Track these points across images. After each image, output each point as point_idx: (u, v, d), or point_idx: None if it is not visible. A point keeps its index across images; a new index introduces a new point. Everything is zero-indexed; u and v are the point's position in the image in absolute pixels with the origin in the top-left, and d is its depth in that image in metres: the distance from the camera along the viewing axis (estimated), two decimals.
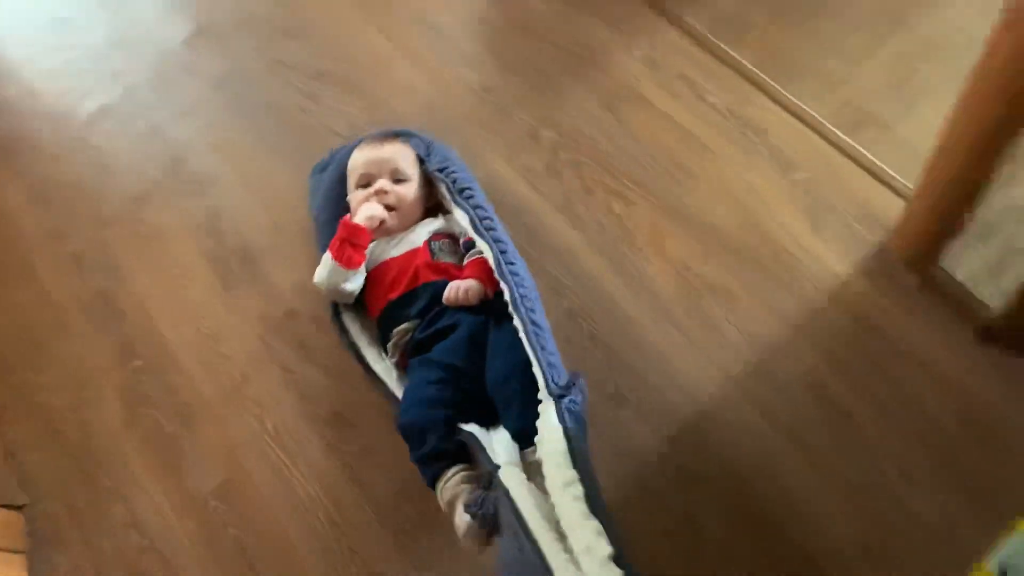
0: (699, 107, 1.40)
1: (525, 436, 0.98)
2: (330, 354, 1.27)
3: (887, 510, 1.02)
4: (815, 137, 1.34)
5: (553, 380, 0.96)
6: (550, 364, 0.98)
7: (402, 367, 1.16)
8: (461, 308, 1.12)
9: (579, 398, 0.94)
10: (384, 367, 1.17)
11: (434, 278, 1.16)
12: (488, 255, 1.14)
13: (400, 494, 1.16)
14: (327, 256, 1.18)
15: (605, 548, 0.75)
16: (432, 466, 1.02)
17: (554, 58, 1.51)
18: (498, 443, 1.00)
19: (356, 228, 1.17)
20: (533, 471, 0.94)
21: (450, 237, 1.24)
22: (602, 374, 1.18)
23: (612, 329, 1.21)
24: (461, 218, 1.21)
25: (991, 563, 0.96)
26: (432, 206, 1.30)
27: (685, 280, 1.23)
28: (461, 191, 1.22)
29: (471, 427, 1.02)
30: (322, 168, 1.37)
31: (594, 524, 0.78)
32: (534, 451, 0.95)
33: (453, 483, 1.00)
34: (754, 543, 1.02)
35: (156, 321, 1.35)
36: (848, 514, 1.02)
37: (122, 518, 1.21)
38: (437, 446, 1.01)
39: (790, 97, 1.38)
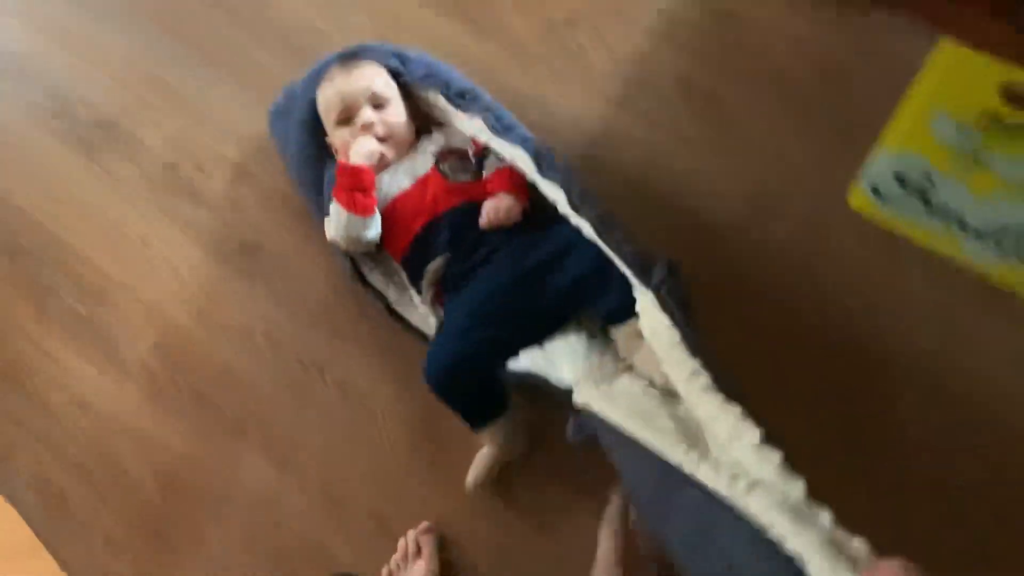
0: None
1: (623, 310, 0.93)
2: (220, 193, 1.26)
3: (766, 163, 1.10)
4: None
5: (644, 270, 0.89)
6: (634, 254, 0.91)
7: (439, 304, 1.07)
8: (500, 235, 1.01)
9: (678, 282, 0.88)
10: (420, 314, 1.09)
11: (455, 202, 1.04)
12: (520, 159, 1.02)
13: (330, 296, 1.18)
14: (337, 208, 1.05)
15: (753, 432, 0.70)
16: (477, 419, 0.99)
17: None
18: (560, 359, 0.95)
19: (358, 171, 1.04)
20: (632, 345, 0.92)
21: (456, 153, 1.10)
22: None
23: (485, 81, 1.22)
24: (468, 126, 1.09)
25: (863, 183, 1.06)
26: (419, 123, 1.15)
27: (541, 21, 1.23)
28: (462, 95, 1.09)
29: (522, 363, 0.95)
30: (282, 112, 1.21)
31: (735, 409, 0.73)
32: (633, 322, 0.92)
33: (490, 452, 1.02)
34: (661, 219, 1.10)
35: (32, 213, 1.30)
36: (733, 176, 1.09)
37: (64, 404, 1.21)
38: (478, 396, 0.98)
39: None
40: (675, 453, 0.73)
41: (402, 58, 1.15)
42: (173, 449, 1.16)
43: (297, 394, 1.15)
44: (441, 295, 1.05)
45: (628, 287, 0.93)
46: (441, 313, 1.06)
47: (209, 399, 1.17)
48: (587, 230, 0.95)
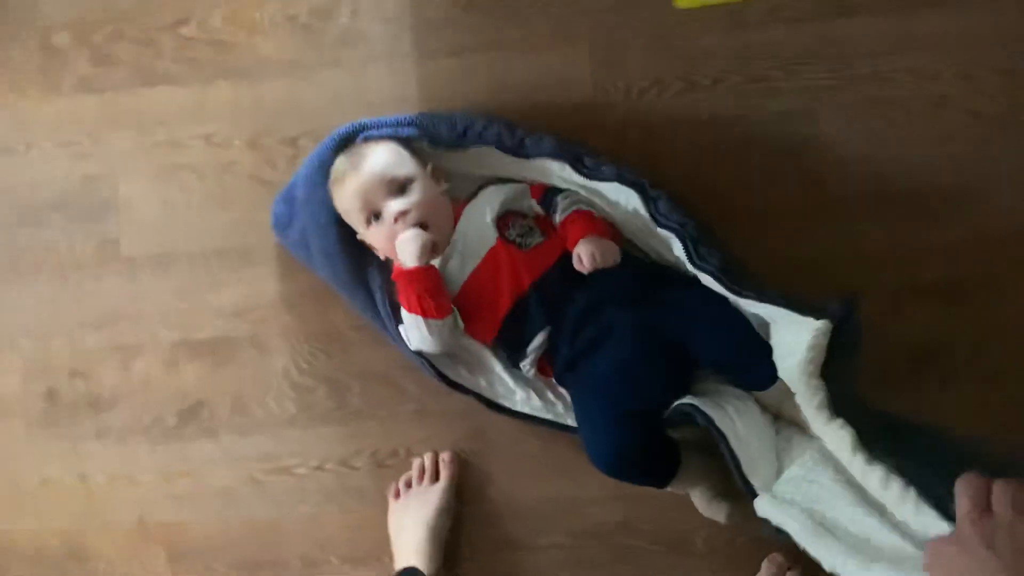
0: None
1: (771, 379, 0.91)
2: (118, 383, 1.12)
3: (581, 24, 1.10)
4: None
5: (806, 305, 0.84)
6: (782, 295, 0.86)
7: (545, 375, 1.01)
8: (607, 301, 0.93)
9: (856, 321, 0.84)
10: (522, 397, 1.03)
11: (538, 272, 0.95)
12: (622, 198, 0.95)
13: (296, 405, 1.11)
14: (413, 319, 0.95)
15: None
16: (662, 482, 0.94)
17: None
18: (753, 449, 0.91)
19: (420, 272, 0.94)
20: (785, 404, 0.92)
21: (516, 214, 1.00)
22: None
23: None
24: (542, 172, 1.00)
25: None
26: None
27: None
28: (521, 143, 0.98)
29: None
30: (286, 222, 1.06)
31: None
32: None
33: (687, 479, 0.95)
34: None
35: None
36: (565, 54, 1.09)
37: None
38: (653, 465, 0.93)
39: None
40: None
41: (415, 123, 1.00)
42: None
43: (338, 497, 1.10)
44: (547, 370, 0.99)
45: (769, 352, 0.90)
46: (547, 387, 1.03)
47: (261, 560, 1.10)
48: (712, 283, 0.90)
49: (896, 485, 0.78)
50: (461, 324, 0.99)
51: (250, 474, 1.11)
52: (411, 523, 1.04)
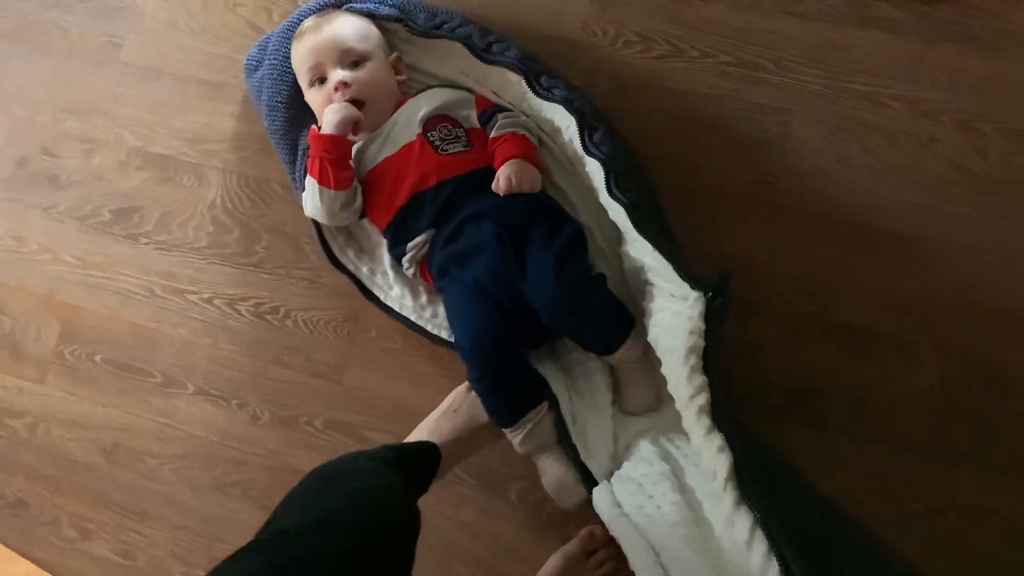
0: None
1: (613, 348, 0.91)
2: (76, 170, 1.21)
3: None
4: None
5: (690, 273, 0.83)
6: (677, 252, 0.85)
7: (422, 278, 1.01)
8: (485, 214, 0.93)
9: (727, 295, 0.82)
10: (394, 296, 1.04)
11: (445, 176, 0.96)
12: (562, 125, 0.95)
13: (221, 231, 1.15)
14: (311, 184, 0.97)
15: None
16: (505, 409, 0.92)
17: None
18: (590, 431, 0.93)
19: (330, 140, 0.95)
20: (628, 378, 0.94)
21: (447, 120, 0.99)
22: None
23: None
24: (497, 83, 1.00)
25: None
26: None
27: None
28: (489, 46, 0.98)
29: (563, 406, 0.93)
30: (254, 66, 1.10)
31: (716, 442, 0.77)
32: (628, 348, 0.90)
33: (540, 431, 0.92)
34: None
35: None
36: None
37: None
38: (513, 384, 0.91)
39: None
40: None
41: (398, 6, 1.03)
42: (114, 422, 1.15)
43: (214, 331, 1.13)
44: (427, 272, 1.00)
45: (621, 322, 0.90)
46: (424, 292, 1.03)
47: (131, 364, 1.15)
48: (621, 218, 0.89)
49: (760, 549, 0.72)
50: (359, 204, 1.00)
51: (151, 286, 1.17)
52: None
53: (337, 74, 0.98)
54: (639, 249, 0.91)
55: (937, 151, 0.98)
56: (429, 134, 0.98)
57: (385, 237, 1.02)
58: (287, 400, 1.11)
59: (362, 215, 1.03)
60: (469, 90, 1.04)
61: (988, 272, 0.94)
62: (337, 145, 0.96)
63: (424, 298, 1.04)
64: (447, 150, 0.97)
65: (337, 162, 0.96)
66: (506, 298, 0.92)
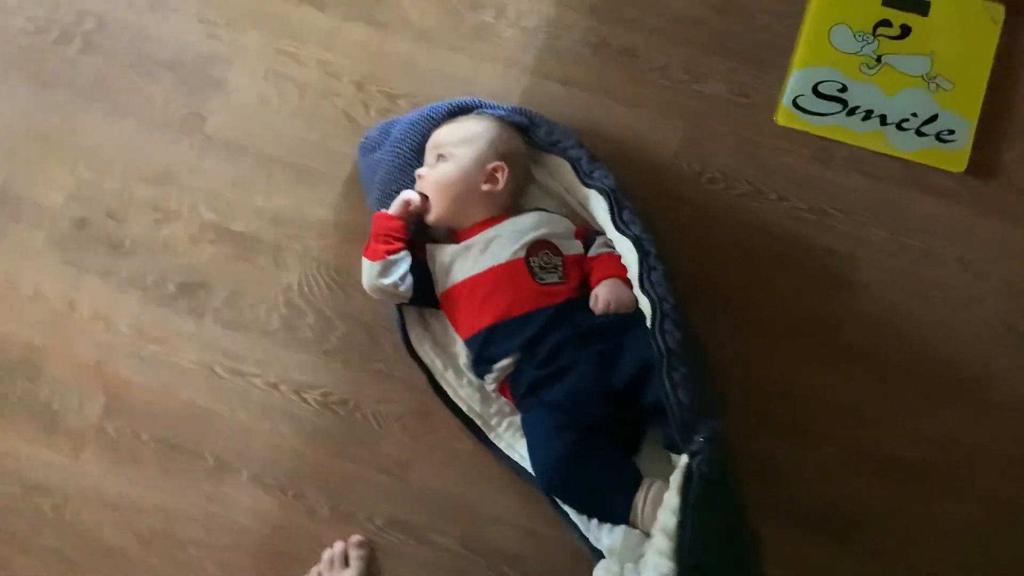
0: None
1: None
2: (143, 237, 1.18)
3: (687, 103, 1.16)
4: None
5: (687, 427, 0.85)
6: (685, 405, 0.87)
7: (502, 394, 1.04)
8: (578, 343, 0.97)
9: (713, 454, 0.81)
10: (463, 395, 1.06)
11: (542, 305, 0.99)
12: (629, 258, 0.99)
13: (292, 315, 1.14)
14: (363, 261, 1.04)
15: None
16: (615, 508, 0.94)
17: None
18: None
19: (380, 217, 1.03)
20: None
21: (548, 246, 1.03)
22: None
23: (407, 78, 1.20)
24: (592, 205, 1.05)
25: (785, 100, 1.13)
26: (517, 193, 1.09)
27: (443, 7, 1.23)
28: (592, 171, 1.03)
29: (569, 512, 0.98)
30: (372, 147, 1.13)
31: None
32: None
33: (654, 498, 0.91)
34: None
35: None
36: (662, 123, 1.16)
37: (19, 496, 1.11)
38: (613, 485, 0.94)
39: None
40: None
41: (528, 116, 1.08)
42: (155, 505, 1.09)
43: (276, 417, 1.11)
44: (507, 391, 1.02)
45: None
46: (496, 404, 1.06)
47: (181, 445, 1.10)
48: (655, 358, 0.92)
49: None
50: (399, 278, 1.01)
51: (211, 364, 1.13)
52: None
53: (421, 168, 1.06)
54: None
55: (984, 310, 1.10)
56: (531, 259, 1.01)
57: (467, 347, 1.04)
58: (348, 494, 1.08)
59: (426, 302, 1.05)
60: (569, 217, 1.10)
61: None
62: (381, 221, 1.03)
63: (494, 407, 1.06)
64: (544, 279, 1.01)
65: (375, 236, 1.03)
66: (594, 413, 0.95)
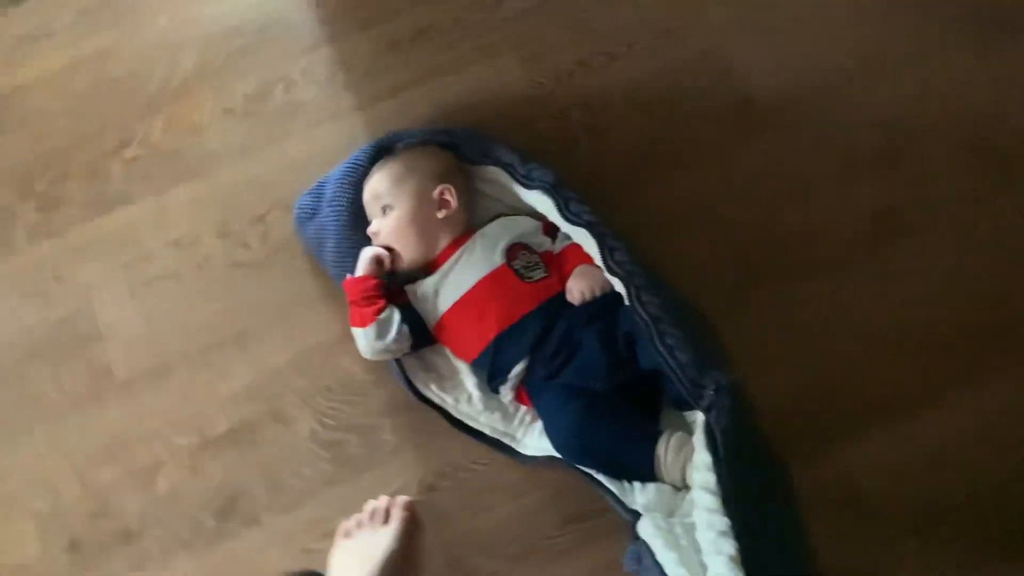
0: None
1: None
2: (144, 506, 1.08)
3: (502, 34, 1.22)
4: None
5: (695, 385, 0.85)
6: (686, 365, 0.86)
7: (519, 401, 1.03)
8: (579, 327, 0.99)
9: (733, 406, 0.82)
10: (483, 421, 1.04)
11: (535, 305, 1.00)
12: (587, 245, 0.98)
13: (332, 464, 1.10)
14: (353, 329, 1.03)
15: None
16: (638, 462, 0.92)
17: None
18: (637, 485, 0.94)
19: (350, 283, 1.03)
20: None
21: (525, 247, 1.05)
22: None
23: None
24: (536, 203, 1.04)
25: None
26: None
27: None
28: (529, 173, 1.03)
29: (600, 476, 0.96)
30: (308, 215, 1.10)
31: None
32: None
33: (675, 447, 0.90)
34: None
35: None
36: (492, 64, 1.21)
37: None
38: (632, 438, 0.93)
39: None
40: None
41: (448, 132, 1.08)
42: None
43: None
44: (523, 392, 1.03)
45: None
46: (522, 412, 1.04)
47: None
48: (647, 332, 0.91)
49: None
50: (396, 332, 1.02)
51: (301, 547, 1.06)
52: (357, 564, 0.95)
53: (373, 223, 1.06)
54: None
55: None
56: (513, 263, 1.03)
57: (477, 367, 1.05)
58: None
59: (424, 342, 1.05)
60: (531, 215, 1.10)
61: None
62: (356, 285, 1.03)
63: (516, 420, 1.05)
64: (532, 277, 1.03)
65: (356, 302, 1.03)
66: (606, 383, 0.97)
